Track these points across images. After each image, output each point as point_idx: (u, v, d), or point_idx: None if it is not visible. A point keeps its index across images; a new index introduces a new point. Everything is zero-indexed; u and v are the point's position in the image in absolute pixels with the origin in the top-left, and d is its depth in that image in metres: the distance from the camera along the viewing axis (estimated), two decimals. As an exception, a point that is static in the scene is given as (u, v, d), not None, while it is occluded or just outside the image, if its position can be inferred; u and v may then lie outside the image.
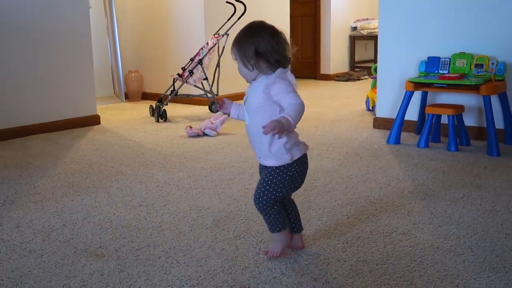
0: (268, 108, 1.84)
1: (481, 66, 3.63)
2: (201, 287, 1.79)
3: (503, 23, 3.69)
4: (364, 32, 8.42)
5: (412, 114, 4.06)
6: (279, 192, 1.89)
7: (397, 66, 4.18)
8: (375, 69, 4.89)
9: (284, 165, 1.87)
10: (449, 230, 2.23)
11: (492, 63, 3.60)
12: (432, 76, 3.74)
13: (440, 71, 3.78)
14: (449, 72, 3.73)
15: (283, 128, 1.72)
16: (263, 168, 1.95)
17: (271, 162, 1.88)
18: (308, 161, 1.94)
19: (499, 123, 3.69)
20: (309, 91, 7.02)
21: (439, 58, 3.80)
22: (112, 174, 3.19)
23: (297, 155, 1.88)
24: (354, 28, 8.57)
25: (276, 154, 1.86)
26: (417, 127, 4.05)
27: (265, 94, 1.83)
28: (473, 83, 3.45)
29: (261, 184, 1.90)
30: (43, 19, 4.37)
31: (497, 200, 2.59)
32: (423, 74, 3.84)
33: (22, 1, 4.25)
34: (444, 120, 3.81)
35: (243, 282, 1.81)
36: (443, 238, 2.15)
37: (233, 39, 1.94)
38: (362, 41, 8.77)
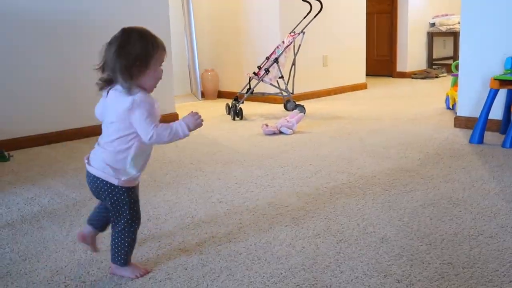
0: None
1: None
2: (282, 284, 1.80)
3: None
4: (443, 29, 8.16)
5: (496, 113, 3.89)
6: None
7: (480, 63, 4.03)
8: (456, 66, 4.74)
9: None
10: (540, 234, 2.13)
11: None
12: (519, 73, 3.57)
13: (528, 68, 3.61)
14: (537, 69, 3.56)
15: None
16: None
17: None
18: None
19: None
20: (385, 89, 6.89)
21: (527, 54, 3.63)
22: (191, 170, 3.26)
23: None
24: (433, 24, 8.32)
25: None
26: (502, 126, 3.89)
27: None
28: None
29: None
30: (122, 19, 4.52)
31: None
32: (509, 71, 3.68)
33: (103, 2, 4.41)
34: (532, 119, 3.64)
35: (325, 281, 1.80)
36: (534, 243, 2.05)
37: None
38: (441, 38, 8.50)
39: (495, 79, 3.59)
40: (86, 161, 1.85)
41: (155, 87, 1.82)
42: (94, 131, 3.89)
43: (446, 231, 2.19)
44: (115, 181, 1.79)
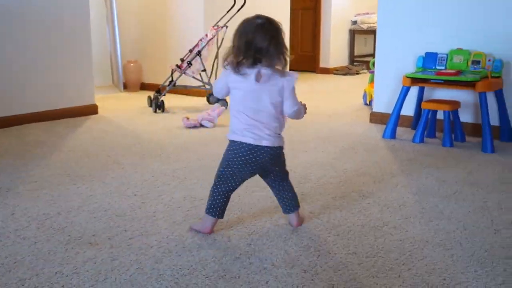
0: None
1: (478, 62, 3.64)
2: (192, 276, 1.81)
3: (500, 20, 3.70)
4: (364, 26, 8.41)
5: (408, 109, 4.07)
6: (222, 167, 2.15)
7: (394, 61, 4.20)
8: (373, 64, 4.90)
9: (228, 143, 2.13)
10: (440, 225, 2.26)
11: (489, 60, 3.61)
12: (429, 71, 3.75)
13: (437, 67, 3.79)
14: (446, 68, 3.75)
15: None
16: None
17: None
18: (245, 151, 2.06)
19: (494, 120, 3.71)
20: (307, 84, 7.03)
21: (436, 54, 3.82)
22: (108, 163, 3.21)
23: (231, 137, 2.10)
24: (355, 22, 8.56)
25: None
26: (414, 122, 4.07)
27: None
28: (469, 80, 3.47)
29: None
30: (41, 7, 4.37)
31: (489, 196, 2.61)
32: (420, 70, 3.86)
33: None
34: (440, 115, 3.83)
35: (234, 272, 1.83)
36: (433, 233, 2.17)
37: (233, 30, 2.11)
38: (362, 36, 8.76)
39: (407, 77, 3.75)
40: (252, 141, 2.03)
41: None
42: None
43: (354, 222, 2.28)
44: (283, 144, 2.12)
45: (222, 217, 2.16)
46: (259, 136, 2.04)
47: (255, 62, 1.99)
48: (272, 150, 2.07)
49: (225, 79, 2.07)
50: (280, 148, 2.12)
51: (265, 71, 2.00)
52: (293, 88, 2.06)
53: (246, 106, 2.03)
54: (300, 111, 2.12)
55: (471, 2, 3.80)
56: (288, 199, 2.22)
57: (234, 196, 2.60)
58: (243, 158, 2.06)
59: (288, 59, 2.05)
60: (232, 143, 2.09)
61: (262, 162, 2.08)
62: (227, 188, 2.14)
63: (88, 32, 4.73)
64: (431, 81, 3.66)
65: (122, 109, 5.08)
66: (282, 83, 2.02)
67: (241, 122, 2.05)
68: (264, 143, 2.04)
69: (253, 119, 2.03)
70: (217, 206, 2.13)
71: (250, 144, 2.04)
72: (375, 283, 1.77)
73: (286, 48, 2.04)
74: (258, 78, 2.00)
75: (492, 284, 1.76)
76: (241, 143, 2.05)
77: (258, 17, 2.06)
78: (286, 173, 2.23)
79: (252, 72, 2.00)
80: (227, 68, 2.05)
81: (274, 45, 1.99)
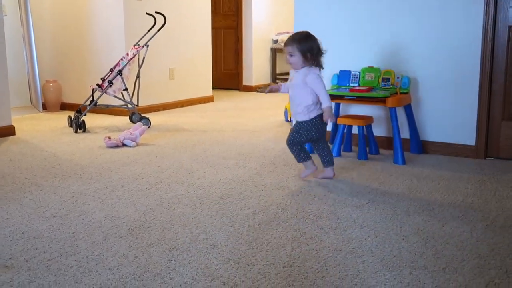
0: (303, 87, 3.06)
1: (388, 79, 3.86)
2: (112, 294, 1.82)
3: (408, 40, 3.95)
4: (285, 45, 8.65)
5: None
6: (302, 137, 3.14)
7: (312, 79, 4.36)
8: (293, 81, 5.06)
9: (306, 120, 3.11)
10: (353, 233, 2.38)
11: (398, 77, 3.84)
12: (343, 88, 3.93)
13: (351, 84, 3.99)
14: (359, 85, 3.95)
15: (332, 113, 3.10)
16: (296, 123, 3.18)
17: (301, 118, 3.11)
18: (322, 121, 3.10)
19: (405, 133, 3.94)
20: (230, 102, 7.13)
21: (350, 71, 4.01)
22: (26, 185, 3.14)
23: (313, 115, 3.10)
24: (276, 41, 8.79)
25: (303, 113, 3.11)
26: (331, 137, 4.24)
27: (303, 80, 3.05)
28: (380, 96, 3.67)
29: (293, 132, 3.16)
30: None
31: (398, 205, 2.77)
32: (335, 87, 4.03)
33: None
34: (355, 130, 4.02)
35: (154, 288, 1.86)
36: (346, 241, 2.29)
37: (290, 38, 3.10)
38: (283, 54, 8.99)
39: (323, 94, 3.91)
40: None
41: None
42: None
43: (272, 234, 2.37)
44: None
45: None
46: None
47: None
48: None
49: None
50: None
51: None
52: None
53: None
54: None
55: (380, 23, 4.03)
56: (326, 156, 3.27)
57: (155, 213, 2.63)
58: (320, 125, 3.18)
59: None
60: (315, 117, 3.13)
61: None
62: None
63: (3, 52, 4.61)
64: (346, 97, 3.84)
65: (42, 130, 4.97)
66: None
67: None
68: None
69: None
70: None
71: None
72: (291, 291, 1.85)
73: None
74: None
75: (399, 287, 1.88)
76: (320, 115, 3.14)
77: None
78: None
79: None
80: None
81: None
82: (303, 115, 3.10)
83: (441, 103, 3.90)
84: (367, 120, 3.83)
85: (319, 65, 3.09)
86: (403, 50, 3.97)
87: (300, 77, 3.06)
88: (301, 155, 3.20)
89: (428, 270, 2.01)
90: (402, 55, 3.97)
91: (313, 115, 3.10)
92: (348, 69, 4.07)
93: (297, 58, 3.03)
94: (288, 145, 3.19)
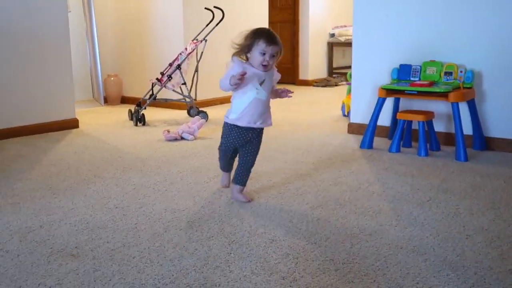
0: (270, 88, 2.80)
1: (450, 74, 3.75)
2: (173, 285, 1.85)
3: (471, 32, 3.82)
4: (342, 39, 8.55)
5: (385, 119, 4.17)
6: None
7: (370, 73, 4.30)
8: (350, 76, 5.00)
9: (270, 123, 2.90)
10: (414, 231, 2.33)
11: (461, 71, 3.73)
12: (403, 83, 3.85)
13: (411, 78, 3.90)
14: (419, 80, 3.85)
15: None
16: (255, 132, 2.80)
17: (270, 121, 2.85)
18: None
19: (468, 129, 3.82)
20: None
21: (410, 65, 3.92)
22: (89, 177, 3.24)
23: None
24: (332, 35, 8.70)
25: (270, 116, 2.89)
26: (390, 132, 4.17)
27: (274, 80, 2.81)
28: (442, 90, 3.57)
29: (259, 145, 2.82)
30: (21, 22, 4.41)
31: (461, 203, 2.69)
32: (395, 81, 3.96)
33: (1, 2, 4.28)
34: (415, 126, 3.94)
35: (214, 281, 1.88)
36: (407, 239, 2.24)
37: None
38: (340, 48, 8.90)
39: (382, 88, 3.85)
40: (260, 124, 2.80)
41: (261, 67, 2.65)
42: None
43: (331, 230, 2.35)
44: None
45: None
46: None
47: None
48: None
49: None
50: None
51: None
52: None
53: None
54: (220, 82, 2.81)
55: (444, 15, 3.92)
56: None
57: (214, 206, 2.66)
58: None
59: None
60: None
61: None
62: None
63: (68, 47, 4.76)
64: (406, 92, 3.76)
65: (103, 123, 5.11)
66: None
67: None
68: None
69: None
70: None
71: None
72: (351, 288, 1.83)
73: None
74: None
75: (463, 287, 1.83)
76: None
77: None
78: None
79: None
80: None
81: None
82: (270, 118, 2.85)
83: (507, 97, 3.76)
84: (428, 116, 3.74)
85: None
86: (467, 42, 3.85)
87: (272, 77, 2.76)
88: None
89: (493, 271, 1.94)
90: (466, 48, 3.85)
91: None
92: (408, 63, 3.98)
93: (275, 59, 2.66)
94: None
